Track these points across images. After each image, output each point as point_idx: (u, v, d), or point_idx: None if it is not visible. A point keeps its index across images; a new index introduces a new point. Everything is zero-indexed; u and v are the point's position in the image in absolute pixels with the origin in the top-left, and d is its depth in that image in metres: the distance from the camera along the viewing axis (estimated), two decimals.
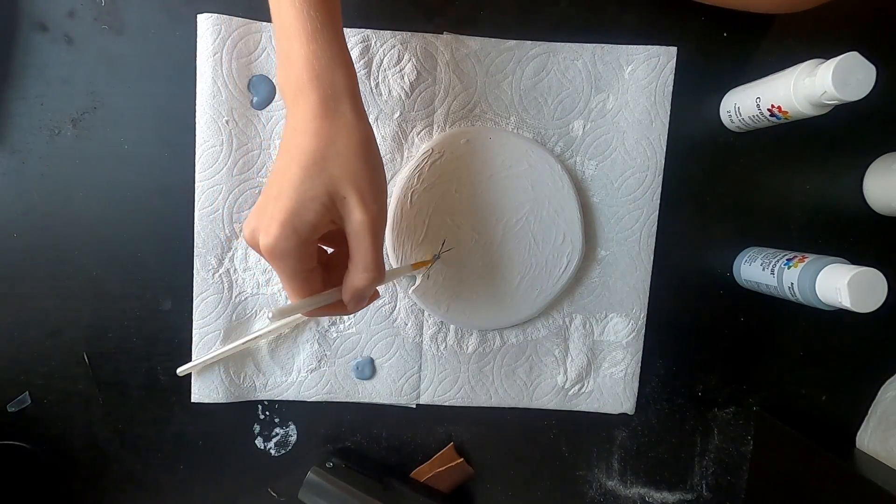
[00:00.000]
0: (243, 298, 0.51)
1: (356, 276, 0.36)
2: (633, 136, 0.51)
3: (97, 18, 0.49)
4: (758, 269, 0.50)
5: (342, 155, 0.35)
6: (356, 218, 0.35)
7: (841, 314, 0.44)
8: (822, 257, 0.45)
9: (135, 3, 0.49)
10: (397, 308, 0.52)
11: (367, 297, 0.38)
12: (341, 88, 0.36)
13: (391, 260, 0.50)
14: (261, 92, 0.49)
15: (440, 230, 0.50)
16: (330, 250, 0.41)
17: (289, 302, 0.37)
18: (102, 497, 0.54)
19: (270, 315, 0.34)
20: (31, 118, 0.49)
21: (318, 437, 0.54)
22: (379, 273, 0.36)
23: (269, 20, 0.45)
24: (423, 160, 0.49)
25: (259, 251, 0.35)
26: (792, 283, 0.45)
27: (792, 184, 0.53)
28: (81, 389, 0.52)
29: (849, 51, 0.39)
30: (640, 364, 0.53)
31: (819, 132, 0.52)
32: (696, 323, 0.54)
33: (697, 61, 0.51)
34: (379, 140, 0.49)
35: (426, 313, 0.52)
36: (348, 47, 0.39)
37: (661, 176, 0.51)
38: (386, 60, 0.49)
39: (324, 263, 0.39)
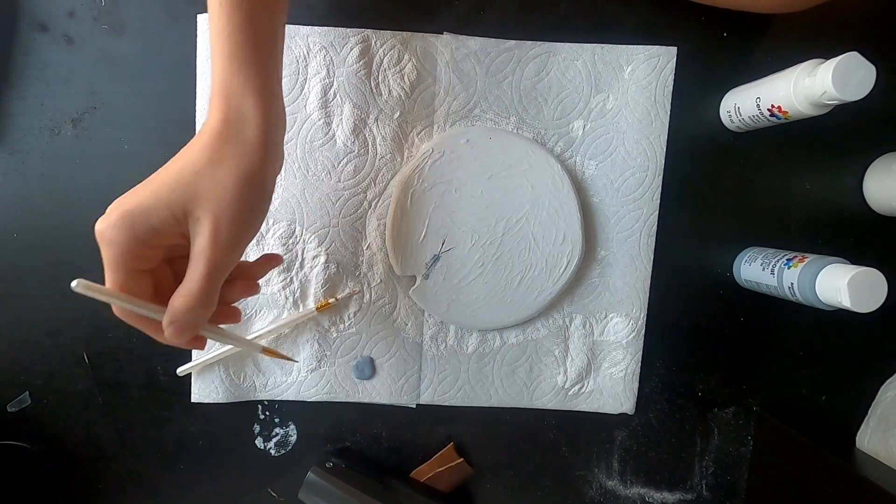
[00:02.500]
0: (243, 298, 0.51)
1: (177, 297, 0.34)
2: (633, 136, 0.51)
3: (97, 18, 0.49)
4: (758, 269, 0.50)
5: (218, 179, 0.34)
6: (200, 241, 0.33)
7: (841, 314, 0.44)
8: (822, 257, 0.45)
9: (135, 3, 0.49)
10: (397, 308, 0.52)
11: (185, 327, 0.34)
12: (249, 115, 0.35)
13: (391, 261, 0.50)
14: None
15: (440, 230, 0.50)
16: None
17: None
18: (102, 497, 0.54)
19: (74, 284, 0.33)
20: (31, 118, 0.49)
21: (318, 437, 0.54)
22: (202, 306, 0.34)
23: None
24: (423, 160, 0.49)
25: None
26: (792, 283, 0.45)
27: (792, 184, 0.53)
28: (81, 389, 0.52)
29: (849, 51, 0.39)
30: (640, 364, 0.53)
31: (819, 132, 0.52)
32: (696, 323, 0.54)
33: (697, 61, 0.51)
34: (379, 140, 0.50)
35: (426, 313, 0.52)
36: (278, 78, 0.38)
37: (661, 176, 0.51)
38: (386, 60, 0.49)
39: (179, 277, 0.36)
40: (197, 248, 0.34)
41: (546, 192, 0.50)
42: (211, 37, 0.36)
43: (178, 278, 0.35)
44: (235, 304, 0.40)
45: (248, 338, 0.50)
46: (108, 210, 0.34)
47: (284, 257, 0.50)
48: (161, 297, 0.35)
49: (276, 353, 0.44)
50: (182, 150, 0.35)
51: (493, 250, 0.51)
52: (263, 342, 0.51)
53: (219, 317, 0.39)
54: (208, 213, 0.33)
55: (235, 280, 0.39)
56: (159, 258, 0.35)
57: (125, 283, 0.34)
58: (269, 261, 0.42)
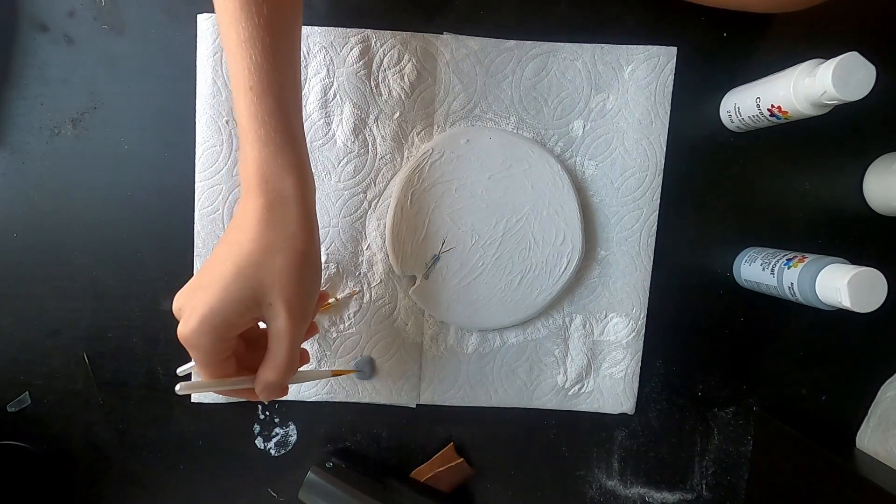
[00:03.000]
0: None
1: (269, 371, 0.37)
2: (633, 136, 0.51)
3: (97, 18, 0.49)
4: (758, 269, 0.50)
5: (277, 265, 0.36)
6: (279, 324, 0.36)
7: (841, 314, 0.44)
8: (822, 257, 0.45)
9: (135, 3, 0.49)
10: (397, 308, 0.52)
11: (277, 391, 0.38)
12: (289, 196, 0.36)
13: (391, 261, 0.50)
14: None
15: (440, 230, 0.50)
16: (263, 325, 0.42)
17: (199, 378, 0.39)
18: (102, 497, 0.54)
19: (178, 389, 0.36)
20: (31, 118, 0.49)
21: (318, 437, 0.54)
22: (291, 371, 0.37)
23: None
24: (423, 160, 0.49)
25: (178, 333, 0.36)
26: (792, 283, 0.45)
27: (792, 184, 0.53)
28: (81, 389, 0.52)
29: (849, 51, 0.39)
30: (640, 364, 0.53)
31: (819, 132, 0.52)
32: (696, 323, 0.54)
33: (697, 61, 0.51)
34: (379, 140, 0.50)
35: (426, 313, 0.52)
36: (305, 144, 0.39)
37: (661, 176, 0.51)
38: (386, 60, 0.49)
39: (249, 340, 0.41)
40: (276, 329, 0.36)
41: (546, 192, 0.50)
42: (240, 118, 0.37)
43: (249, 343, 0.40)
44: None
45: None
46: (181, 309, 0.36)
47: None
48: (240, 363, 0.39)
49: (344, 371, 0.50)
50: (229, 234, 0.37)
51: (493, 250, 0.51)
52: None
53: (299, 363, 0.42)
54: (278, 298, 0.36)
55: None
56: (236, 343, 0.38)
57: (215, 372, 0.37)
58: (323, 298, 0.46)
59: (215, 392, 0.39)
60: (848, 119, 0.51)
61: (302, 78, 0.49)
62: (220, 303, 0.34)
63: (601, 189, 0.52)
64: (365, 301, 0.51)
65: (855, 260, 0.44)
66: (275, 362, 0.37)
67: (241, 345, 0.40)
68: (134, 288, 0.51)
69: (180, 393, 0.36)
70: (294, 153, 0.37)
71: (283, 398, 0.52)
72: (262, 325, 0.38)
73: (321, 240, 0.50)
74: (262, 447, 0.54)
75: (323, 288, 0.51)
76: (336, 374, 0.49)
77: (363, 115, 0.49)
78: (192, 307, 0.35)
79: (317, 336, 0.51)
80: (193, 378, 0.51)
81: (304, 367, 0.49)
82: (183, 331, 0.35)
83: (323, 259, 0.50)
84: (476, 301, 0.51)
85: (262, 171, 0.36)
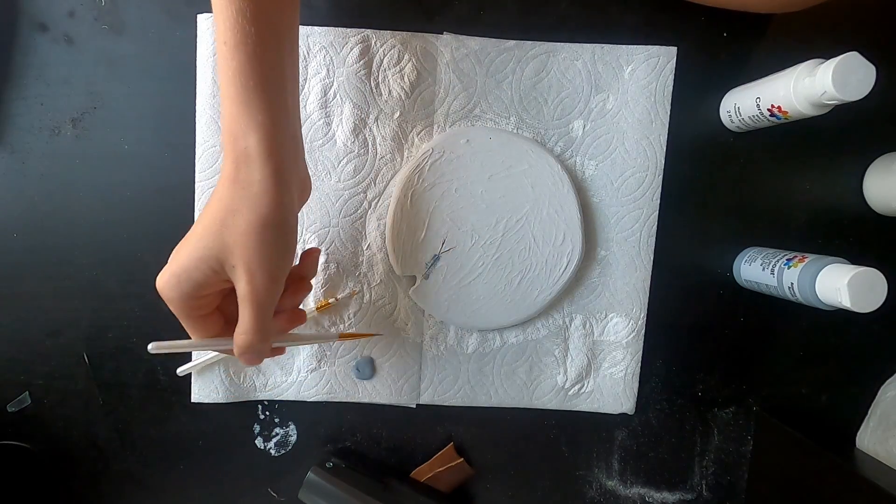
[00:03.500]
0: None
1: (237, 335, 0.37)
2: (633, 136, 0.51)
3: (97, 18, 0.49)
4: (758, 269, 0.50)
5: (239, 227, 0.35)
6: (241, 288, 0.36)
7: (841, 314, 0.44)
8: (822, 257, 0.45)
9: (135, 3, 0.49)
10: (397, 308, 0.52)
11: (255, 354, 0.38)
12: (254, 154, 0.35)
13: (391, 261, 0.50)
14: None
15: (440, 230, 0.50)
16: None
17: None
18: (102, 497, 0.54)
19: (150, 348, 0.38)
20: (31, 118, 0.49)
21: (318, 437, 0.54)
22: (257, 338, 0.37)
23: None
24: (423, 160, 0.49)
25: None
26: (792, 283, 0.45)
27: (792, 184, 0.53)
28: (81, 389, 0.52)
29: (849, 51, 0.39)
30: (640, 364, 0.53)
31: (819, 132, 0.52)
32: (696, 323, 0.54)
33: (697, 61, 0.51)
34: (379, 140, 0.50)
35: (426, 313, 0.52)
36: (286, 108, 0.37)
37: (661, 176, 0.51)
38: (386, 60, 0.49)
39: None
40: (240, 292, 0.36)
41: (546, 192, 0.50)
42: (219, 79, 0.36)
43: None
44: (300, 307, 0.44)
45: None
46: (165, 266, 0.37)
47: None
48: (234, 324, 0.38)
49: (356, 334, 0.49)
50: (212, 192, 0.37)
51: (493, 250, 0.51)
52: None
53: (287, 324, 0.42)
54: (239, 260, 0.35)
55: (289, 287, 0.40)
56: (216, 302, 0.39)
57: (196, 328, 0.38)
58: (311, 256, 0.44)
59: (189, 349, 0.39)
60: (848, 119, 0.51)
61: (302, 78, 0.49)
62: (186, 260, 0.35)
63: (601, 189, 0.52)
64: (365, 301, 0.51)
65: (855, 260, 0.44)
66: (242, 326, 0.36)
67: (234, 305, 0.38)
68: (134, 288, 0.51)
69: (152, 352, 0.38)
70: (262, 111, 0.35)
71: (283, 398, 0.52)
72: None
73: (321, 239, 0.50)
74: (262, 447, 0.54)
75: (323, 288, 0.51)
76: (344, 337, 0.47)
77: (363, 115, 0.49)
78: (169, 261, 0.36)
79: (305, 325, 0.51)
80: (194, 378, 0.51)
81: (301, 330, 0.49)
82: (158, 284, 0.36)
83: (323, 259, 0.50)
84: (476, 301, 0.51)
85: (230, 128, 0.35)
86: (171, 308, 0.37)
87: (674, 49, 0.50)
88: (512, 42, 0.50)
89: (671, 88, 0.50)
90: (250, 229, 0.35)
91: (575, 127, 0.51)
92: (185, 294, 0.36)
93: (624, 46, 0.50)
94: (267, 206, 0.35)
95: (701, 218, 0.53)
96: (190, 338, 0.39)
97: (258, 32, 0.35)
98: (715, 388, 0.55)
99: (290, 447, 0.54)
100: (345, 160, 0.50)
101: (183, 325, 0.38)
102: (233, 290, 0.37)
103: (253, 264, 0.35)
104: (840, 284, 0.41)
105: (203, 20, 0.48)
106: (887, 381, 0.54)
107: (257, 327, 0.36)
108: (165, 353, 0.39)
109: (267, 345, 0.38)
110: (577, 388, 0.53)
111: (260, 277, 0.36)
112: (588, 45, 0.50)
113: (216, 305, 0.39)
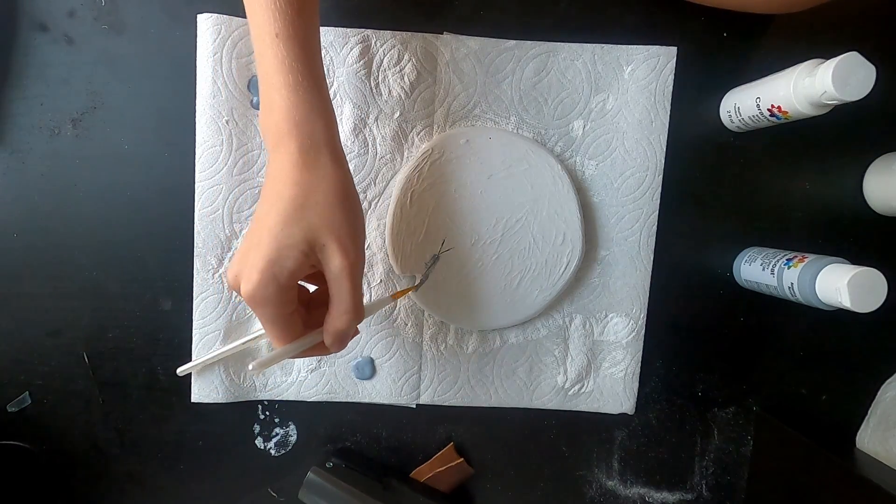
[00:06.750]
0: None
1: (337, 318, 0.37)
2: (633, 136, 0.51)
3: (97, 18, 0.49)
4: (758, 269, 0.50)
5: (321, 204, 0.36)
6: (335, 264, 0.36)
7: (841, 314, 0.44)
8: (822, 257, 0.45)
9: (135, 3, 0.49)
10: (397, 308, 0.52)
11: (348, 337, 0.38)
12: (320, 139, 0.37)
13: (391, 261, 0.50)
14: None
15: (440, 230, 0.50)
16: (312, 288, 0.42)
17: (272, 350, 0.39)
18: (102, 497, 0.54)
19: (251, 367, 0.36)
20: (31, 118, 0.49)
21: (318, 437, 0.54)
22: (358, 314, 0.37)
23: None
24: (423, 160, 0.49)
25: (242, 296, 0.36)
26: (792, 283, 0.45)
27: (792, 184, 0.53)
28: (81, 389, 0.52)
29: (849, 51, 0.39)
30: (640, 364, 0.53)
31: (819, 132, 0.52)
32: (696, 323, 0.54)
33: (697, 61, 0.51)
34: (379, 140, 0.50)
35: (426, 313, 0.52)
36: (328, 88, 0.39)
37: (661, 176, 0.51)
38: (386, 60, 0.49)
39: (305, 302, 0.41)
40: (334, 270, 0.36)
41: (546, 192, 0.50)
42: (267, 66, 0.37)
43: (306, 306, 0.40)
44: None
45: (248, 338, 0.50)
46: (238, 274, 0.36)
47: None
48: (304, 324, 0.39)
49: (403, 291, 0.49)
50: (266, 192, 0.37)
51: (493, 250, 0.51)
52: (264, 342, 0.51)
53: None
54: (329, 236, 0.36)
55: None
56: (297, 293, 0.38)
57: (284, 331, 0.37)
58: None
59: (290, 358, 0.38)
60: (848, 119, 0.51)
61: None
62: (275, 252, 0.35)
63: (601, 189, 0.52)
64: (365, 301, 0.51)
65: (855, 260, 0.44)
66: (341, 307, 0.36)
67: (301, 307, 0.39)
68: (134, 288, 0.51)
69: (253, 370, 0.37)
70: (321, 98, 0.38)
71: (283, 398, 0.52)
72: (311, 287, 0.40)
73: None
74: (262, 447, 0.54)
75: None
76: (396, 296, 0.48)
77: (363, 115, 0.49)
78: (249, 266, 0.35)
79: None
80: (194, 378, 0.51)
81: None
82: (247, 289, 0.35)
83: (311, 287, 0.50)
84: (476, 301, 0.51)
85: (292, 117, 0.36)
86: (268, 309, 0.36)
87: (674, 49, 0.50)
88: (512, 42, 0.50)
89: (671, 88, 0.50)
90: (333, 204, 0.36)
91: (575, 127, 0.51)
92: (283, 286, 0.35)
93: (624, 46, 0.50)
94: (340, 182, 0.37)
95: (701, 218, 0.53)
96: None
97: (305, 24, 0.37)
98: (715, 388, 0.55)
99: (290, 447, 0.54)
100: None
101: (271, 332, 0.37)
102: (316, 277, 0.38)
103: (344, 236, 0.36)
104: (840, 284, 0.41)
105: (203, 20, 0.48)
106: (887, 381, 0.54)
107: (355, 304, 0.37)
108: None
109: (358, 324, 0.38)
110: (577, 388, 0.53)
111: (351, 248, 0.36)
112: (588, 45, 0.50)
113: (299, 297, 0.38)
